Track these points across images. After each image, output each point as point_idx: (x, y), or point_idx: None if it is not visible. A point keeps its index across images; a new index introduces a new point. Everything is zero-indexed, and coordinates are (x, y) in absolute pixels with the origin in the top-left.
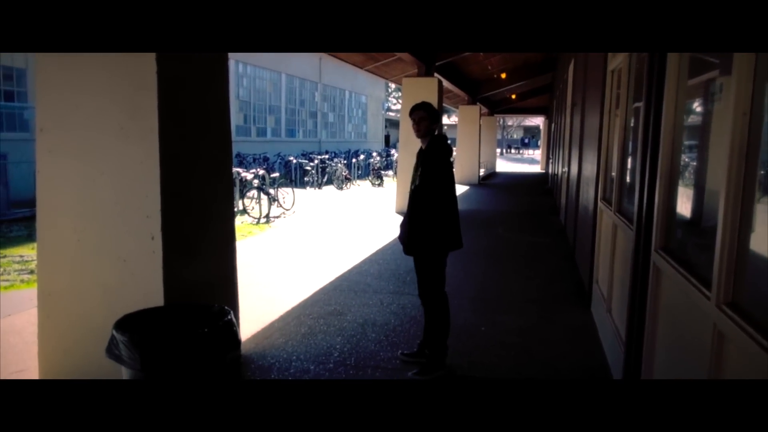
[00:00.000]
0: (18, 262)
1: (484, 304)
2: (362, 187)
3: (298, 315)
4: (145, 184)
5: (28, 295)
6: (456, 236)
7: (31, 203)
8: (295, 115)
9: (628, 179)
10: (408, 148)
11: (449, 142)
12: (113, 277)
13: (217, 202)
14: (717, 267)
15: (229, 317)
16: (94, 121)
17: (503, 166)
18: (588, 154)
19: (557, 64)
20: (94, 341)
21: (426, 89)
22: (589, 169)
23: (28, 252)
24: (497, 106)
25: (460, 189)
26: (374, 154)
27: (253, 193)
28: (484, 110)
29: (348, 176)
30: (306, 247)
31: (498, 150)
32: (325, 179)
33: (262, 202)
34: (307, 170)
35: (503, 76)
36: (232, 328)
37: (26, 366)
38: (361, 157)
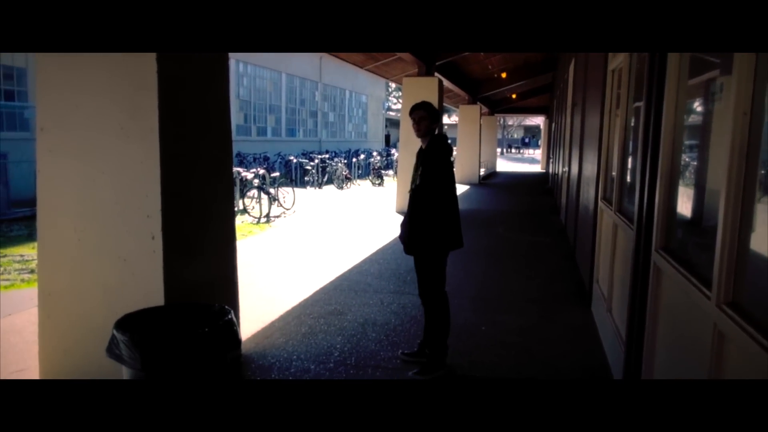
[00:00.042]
0: (18, 262)
1: (484, 303)
2: (362, 186)
3: (298, 314)
4: (145, 183)
5: (29, 294)
6: (456, 236)
7: (32, 202)
8: (295, 114)
9: (628, 179)
10: (408, 148)
11: (449, 141)
12: (114, 276)
13: (217, 202)
14: (717, 267)
15: (230, 317)
16: (95, 121)
17: (504, 165)
18: (588, 153)
19: (558, 64)
20: (94, 341)
21: (426, 89)
22: (590, 168)
23: (29, 251)
24: (498, 106)
25: (461, 188)
26: (374, 153)
27: (254, 192)
28: (485, 110)
29: (348, 176)
30: (306, 247)
31: (498, 149)
32: (325, 179)
33: (263, 201)
34: (307, 170)
35: (504, 75)
36: (232, 328)
37: (26, 365)
38: (362, 156)
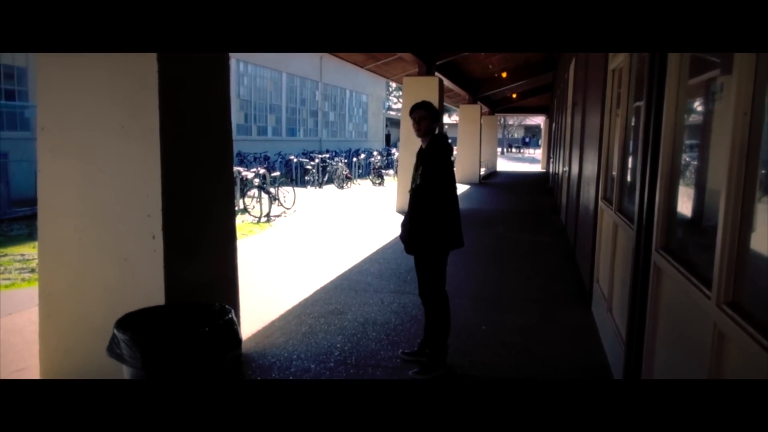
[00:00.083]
0: (19, 261)
1: (484, 303)
2: (363, 186)
3: (298, 314)
4: (145, 183)
5: (29, 293)
6: (457, 235)
7: (32, 202)
8: (295, 114)
9: (628, 178)
10: (409, 147)
11: (449, 141)
12: (114, 276)
13: (217, 201)
14: (717, 266)
15: (230, 316)
16: (95, 121)
17: (504, 165)
18: (589, 153)
19: (558, 64)
20: (95, 340)
21: (427, 88)
22: (590, 168)
23: (29, 251)
24: (498, 105)
25: (461, 188)
26: (375, 153)
27: (254, 192)
28: (485, 109)
29: (349, 175)
30: (307, 246)
31: (499, 149)
32: (325, 178)
33: (263, 201)
34: (307, 169)
35: (504, 75)
36: (232, 327)
37: (27, 364)
38: (362, 156)
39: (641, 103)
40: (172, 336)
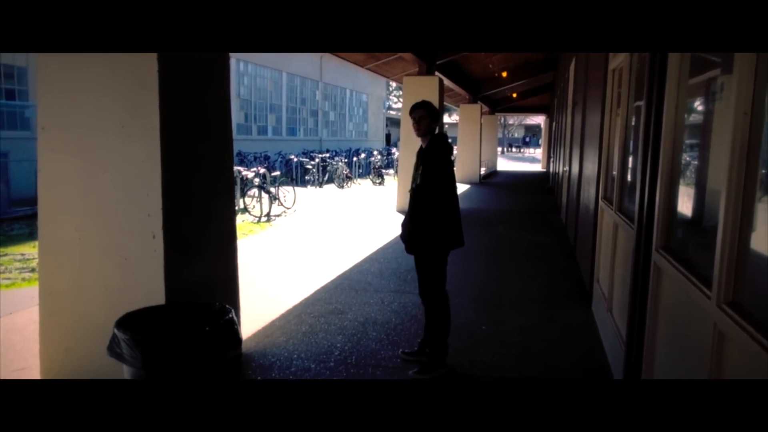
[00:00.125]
0: (19, 261)
1: (484, 302)
2: (363, 185)
3: (299, 313)
4: (146, 182)
5: (30, 293)
6: (457, 235)
7: (33, 201)
8: (296, 113)
9: (629, 178)
10: (409, 147)
11: (449, 140)
12: (115, 275)
13: (218, 201)
14: (717, 266)
15: (230, 316)
16: (96, 120)
17: (504, 164)
18: (589, 153)
19: (558, 63)
20: (95, 340)
21: (427, 88)
22: (590, 168)
23: (30, 250)
24: (498, 105)
25: (462, 188)
26: (375, 152)
27: (254, 191)
28: (485, 109)
29: (349, 175)
30: (307, 246)
31: (499, 149)
32: (326, 178)
33: (263, 200)
34: (308, 169)
35: (504, 74)
36: (233, 327)
37: (27, 364)
38: (362, 155)
39: (641, 103)
40: (173, 335)
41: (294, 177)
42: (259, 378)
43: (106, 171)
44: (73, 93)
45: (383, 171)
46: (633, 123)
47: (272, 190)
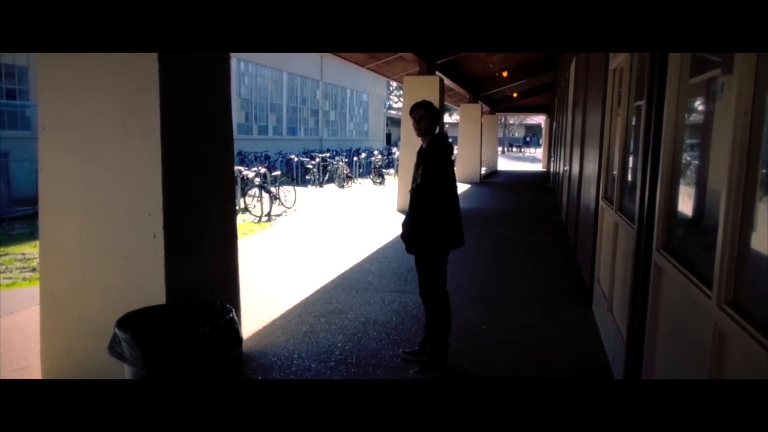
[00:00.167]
0: (20, 260)
1: (485, 302)
2: (363, 185)
3: (299, 313)
4: (146, 182)
5: (30, 293)
6: (458, 234)
7: (33, 201)
8: (296, 113)
9: (629, 178)
10: (409, 147)
11: (450, 140)
12: (115, 275)
13: (218, 201)
14: (718, 266)
15: (231, 315)
16: (96, 120)
17: (505, 164)
18: (589, 152)
19: (559, 63)
20: (96, 339)
21: (427, 87)
22: (591, 167)
23: (30, 250)
24: (499, 105)
25: (462, 188)
26: (375, 152)
27: (255, 191)
28: (486, 108)
29: (349, 174)
30: (307, 246)
31: (499, 148)
32: (326, 177)
33: (264, 200)
34: (308, 168)
35: (505, 74)
36: (233, 326)
37: (28, 363)
38: (363, 155)
39: (642, 103)
40: (173, 335)
41: (294, 177)
42: (259, 378)
43: (107, 171)
44: (73, 93)
45: (384, 171)
46: (633, 123)
47: (273, 189)
